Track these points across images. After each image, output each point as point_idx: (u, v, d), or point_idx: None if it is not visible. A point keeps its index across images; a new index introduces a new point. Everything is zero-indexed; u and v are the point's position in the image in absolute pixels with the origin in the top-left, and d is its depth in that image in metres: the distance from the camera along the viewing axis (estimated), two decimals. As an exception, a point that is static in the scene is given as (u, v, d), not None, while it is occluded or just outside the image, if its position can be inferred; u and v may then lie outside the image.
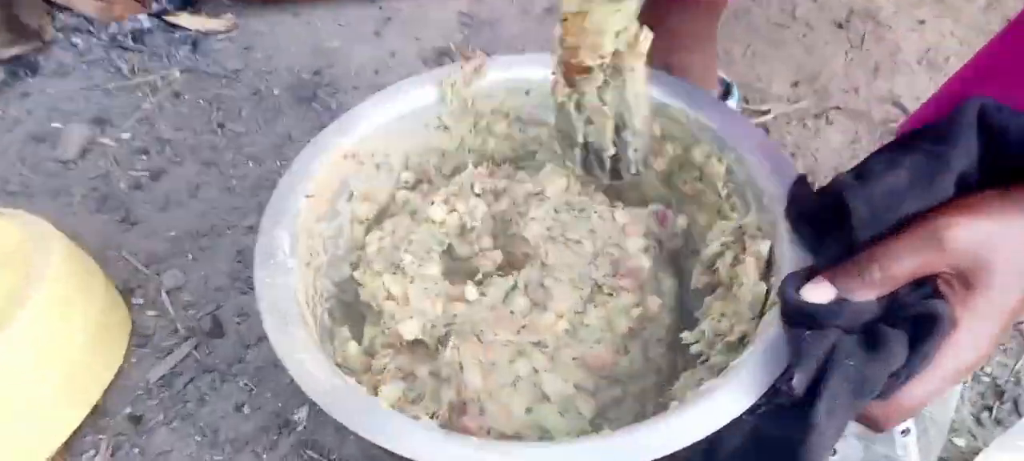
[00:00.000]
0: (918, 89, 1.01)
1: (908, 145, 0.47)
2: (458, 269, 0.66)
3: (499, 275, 0.63)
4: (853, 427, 0.57)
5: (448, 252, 0.66)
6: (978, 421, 0.73)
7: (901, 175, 0.44)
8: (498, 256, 0.65)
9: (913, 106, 0.98)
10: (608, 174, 0.60)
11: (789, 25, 1.10)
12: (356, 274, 0.65)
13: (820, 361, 0.42)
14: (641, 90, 0.55)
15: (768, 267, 0.54)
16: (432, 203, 0.66)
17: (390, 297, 0.61)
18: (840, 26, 1.10)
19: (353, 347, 0.61)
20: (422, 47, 1.11)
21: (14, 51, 1.06)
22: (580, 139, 0.58)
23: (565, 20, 0.51)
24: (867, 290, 0.43)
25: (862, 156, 0.91)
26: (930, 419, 0.64)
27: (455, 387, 0.54)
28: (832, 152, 0.95)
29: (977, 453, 0.60)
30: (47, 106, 1.03)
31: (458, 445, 0.44)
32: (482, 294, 0.61)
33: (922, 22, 1.11)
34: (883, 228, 0.44)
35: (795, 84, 1.03)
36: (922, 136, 0.47)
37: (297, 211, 0.58)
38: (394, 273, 0.62)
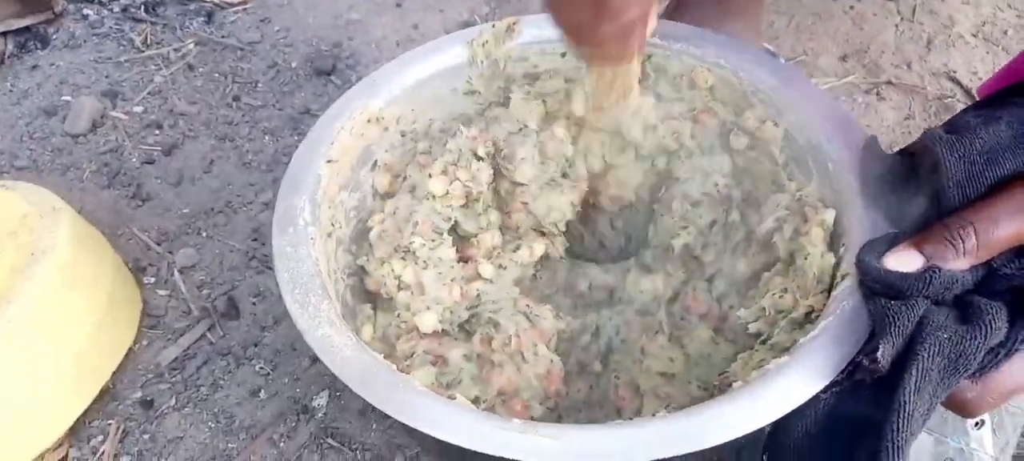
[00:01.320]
0: (975, 63, 0.96)
1: (1004, 100, 0.42)
2: (464, 248, 0.60)
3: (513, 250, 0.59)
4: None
5: (454, 230, 0.60)
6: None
7: (1000, 130, 0.41)
8: (494, 237, 0.60)
9: (970, 81, 0.93)
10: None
11: (835, -4, 1.05)
12: (360, 261, 0.59)
13: (908, 333, 0.38)
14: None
15: (832, 238, 0.50)
16: (429, 176, 0.59)
17: (402, 286, 0.56)
18: (889, -2, 1.04)
19: (367, 331, 0.56)
20: (446, 18, 1.06)
21: (24, 22, 1.03)
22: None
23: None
24: (961, 258, 0.39)
25: (917, 133, 0.86)
26: (1006, 410, 0.59)
27: (506, 375, 0.50)
28: (886, 129, 0.90)
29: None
30: (57, 79, 1.00)
31: (503, 428, 0.39)
32: (501, 267, 0.56)
33: (976, -7, 1.05)
34: (979, 189, 0.40)
35: (843, 58, 0.98)
36: (1020, 90, 0.42)
37: (318, 177, 0.54)
38: (403, 258, 0.56)
